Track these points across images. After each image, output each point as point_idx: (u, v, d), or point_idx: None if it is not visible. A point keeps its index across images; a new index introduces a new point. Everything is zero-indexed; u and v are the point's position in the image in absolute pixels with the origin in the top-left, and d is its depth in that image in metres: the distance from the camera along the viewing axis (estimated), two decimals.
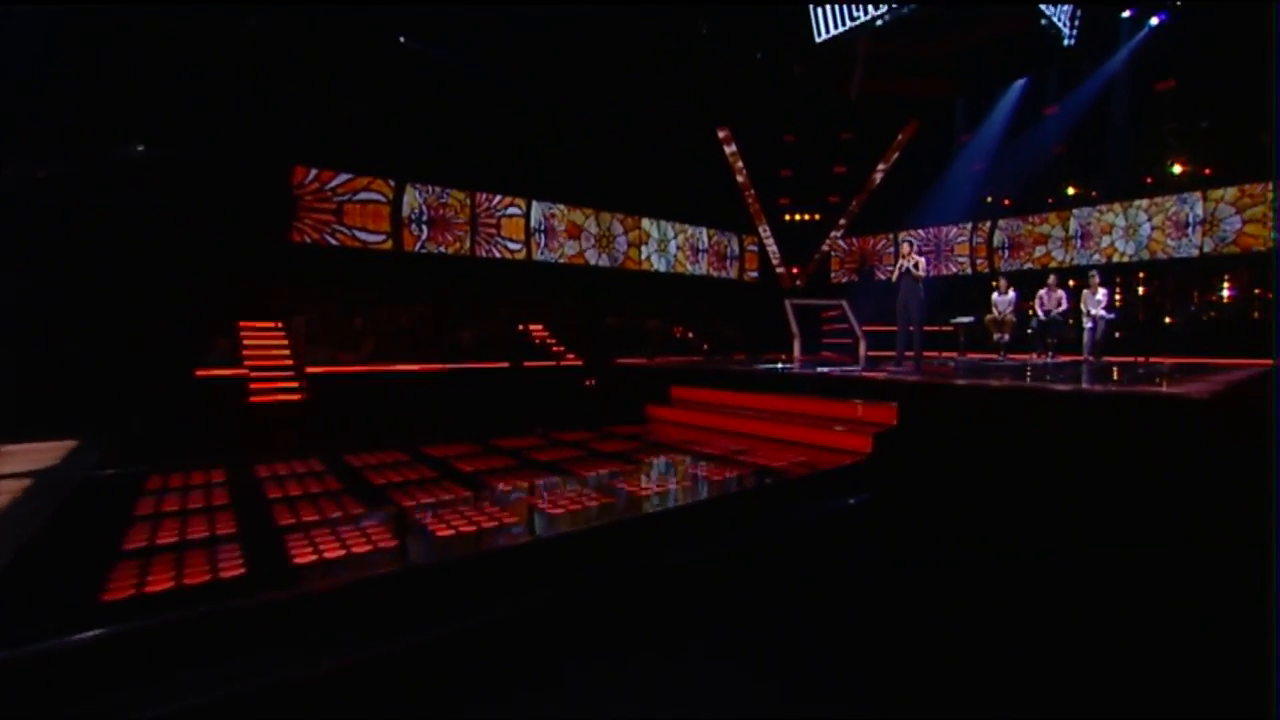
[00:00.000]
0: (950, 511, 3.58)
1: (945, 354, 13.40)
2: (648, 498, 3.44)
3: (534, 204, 14.08)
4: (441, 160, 12.45)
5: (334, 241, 11.27)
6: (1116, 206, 13.64)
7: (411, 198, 12.24)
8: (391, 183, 11.96)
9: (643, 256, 15.93)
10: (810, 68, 14.07)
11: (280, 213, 10.23)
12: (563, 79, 13.48)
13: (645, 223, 16.02)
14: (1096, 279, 10.05)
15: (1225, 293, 12.90)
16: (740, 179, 17.08)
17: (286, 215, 10.33)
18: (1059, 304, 10.43)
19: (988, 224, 15.32)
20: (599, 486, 3.71)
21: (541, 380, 9.35)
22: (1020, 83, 14.19)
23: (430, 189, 12.50)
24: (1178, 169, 13.00)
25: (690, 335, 14.58)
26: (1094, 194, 13.88)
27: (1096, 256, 13.78)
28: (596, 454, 4.69)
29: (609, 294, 14.68)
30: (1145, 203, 13.34)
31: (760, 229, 17.64)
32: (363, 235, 11.65)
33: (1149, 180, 13.26)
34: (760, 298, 17.16)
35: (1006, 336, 10.95)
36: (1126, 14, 12.72)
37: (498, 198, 13.48)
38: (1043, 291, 10.65)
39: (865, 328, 14.74)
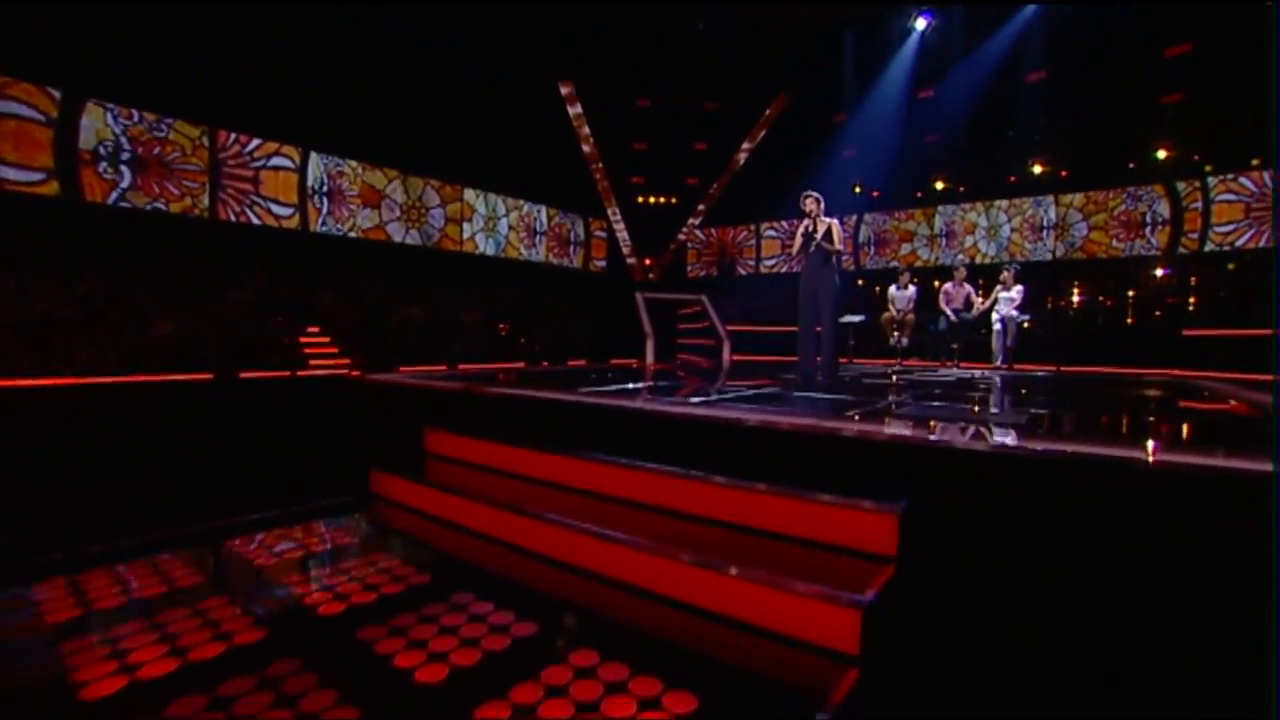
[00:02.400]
0: None
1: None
2: None
3: (313, 156, 10.52)
4: (159, 75, 8.56)
5: None
6: (979, 205, 12.93)
7: (99, 123, 8.24)
8: (56, 94, 7.88)
9: (465, 235, 12.86)
10: None
11: None
12: None
13: (470, 194, 12.96)
14: (1009, 274, 8.71)
15: (1075, 298, 12.60)
16: (587, 149, 14.52)
17: None
18: (967, 301, 9.01)
19: (854, 217, 14.13)
20: None
21: (271, 399, 6.06)
22: (908, 61, 12.96)
23: (136, 115, 8.55)
24: (1038, 169, 12.44)
25: (519, 334, 11.79)
26: (961, 189, 13.05)
27: (960, 256, 13.00)
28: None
29: (417, 279, 11.46)
30: (1005, 203, 12.74)
31: (610, 211, 15.23)
32: None
33: (1012, 179, 12.62)
34: (609, 291, 14.78)
35: (905, 340, 9.41)
36: None
37: (256, 141, 9.77)
38: (949, 286, 9.22)
39: (728, 327, 12.98)
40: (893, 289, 9.52)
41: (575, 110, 14.17)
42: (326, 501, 3.40)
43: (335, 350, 8.80)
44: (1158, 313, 11.75)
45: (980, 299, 9.13)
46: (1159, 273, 11.83)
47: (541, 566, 2.54)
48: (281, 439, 4.56)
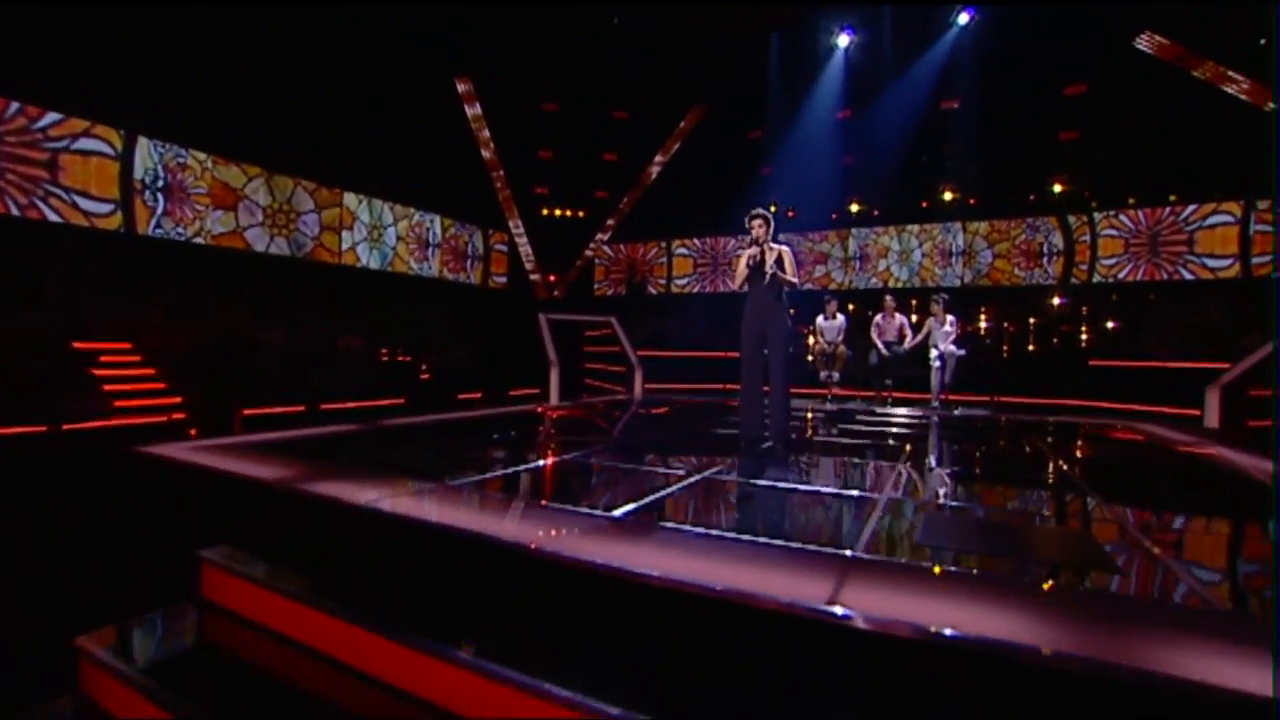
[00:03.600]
0: None
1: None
2: None
3: (143, 142, 8.50)
4: None
5: None
6: (891, 229, 12.72)
7: None
8: None
9: (344, 246, 11.07)
10: None
11: None
12: None
13: (351, 199, 11.21)
14: (941, 305, 8.16)
15: (983, 324, 12.63)
16: (487, 154, 13.09)
17: None
18: (900, 333, 8.39)
19: None
20: None
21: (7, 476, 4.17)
22: (829, 80, 12.52)
23: None
24: (948, 195, 12.36)
25: (405, 360, 10.21)
26: (876, 213, 12.78)
27: (874, 280, 12.72)
28: None
29: (283, 297, 9.62)
30: (916, 228, 12.59)
31: (511, 223, 13.86)
32: None
33: (924, 204, 12.49)
34: (509, 310, 13.39)
35: (836, 374, 8.69)
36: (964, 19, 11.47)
37: (53, 116, 7.67)
38: (879, 317, 8.57)
39: (640, 353, 11.94)
40: (820, 319, 8.80)
41: (474, 110, 12.72)
42: None
43: (162, 387, 6.94)
44: (1055, 340, 11.97)
45: (912, 333, 8.58)
46: (1056, 301, 12.06)
47: None
48: None
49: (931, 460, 4.51)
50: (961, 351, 8.21)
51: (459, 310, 12.55)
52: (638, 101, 13.28)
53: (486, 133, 12.89)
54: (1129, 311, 11.21)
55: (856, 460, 4.40)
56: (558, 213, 14.25)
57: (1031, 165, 11.70)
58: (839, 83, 12.36)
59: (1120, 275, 11.07)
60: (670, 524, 2.45)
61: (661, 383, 11.68)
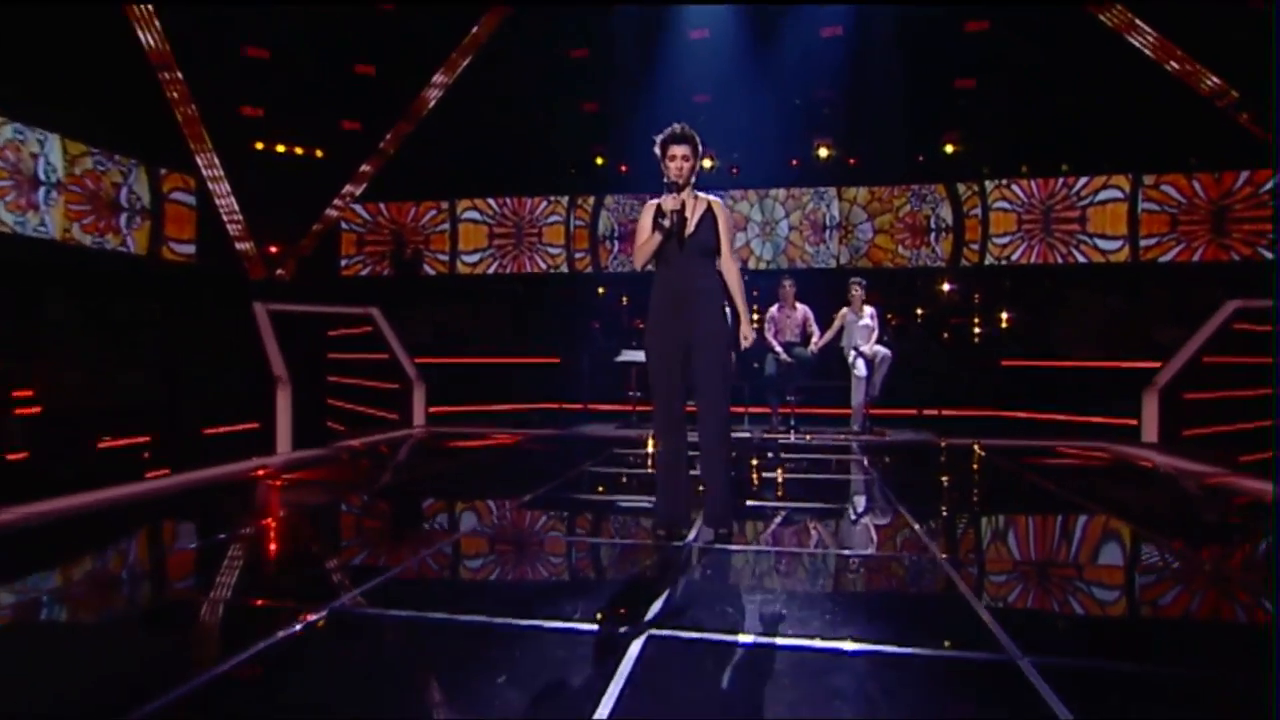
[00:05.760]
0: None
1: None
2: None
3: None
4: None
5: None
6: (751, 195, 11.99)
7: None
8: None
9: None
10: None
11: None
12: None
13: None
14: (859, 292, 7.38)
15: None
16: (152, 42, 9.89)
17: None
18: (804, 329, 7.45)
19: (591, 199, 12.24)
20: None
21: None
22: None
23: None
24: (824, 152, 11.88)
25: None
26: (734, 171, 11.99)
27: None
28: None
29: None
30: (783, 194, 11.95)
31: (202, 160, 10.91)
32: None
33: (795, 163, 11.90)
34: (201, 299, 10.61)
35: None
36: None
37: None
38: (774, 311, 7.79)
39: (419, 361, 9.91)
40: None
41: None
42: None
43: None
44: (946, 334, 12.09)
45: (819, 330, 7.77)
46: (946, 287, 12.14)
47: None
48: None
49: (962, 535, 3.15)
50: (889, 353, 7.53)
51: (105, 297, 9.31)
52: None
53: (149, 6, 9.71)
54: (1026, 299, 11.53)
55: (855, 549, 2.96)
56: (281, 149, 11.73)
57: (921, 117, 11.62)
58: None
59: (1014, 256, 11.24)
60: None
61: (453, 404, 10.21)
